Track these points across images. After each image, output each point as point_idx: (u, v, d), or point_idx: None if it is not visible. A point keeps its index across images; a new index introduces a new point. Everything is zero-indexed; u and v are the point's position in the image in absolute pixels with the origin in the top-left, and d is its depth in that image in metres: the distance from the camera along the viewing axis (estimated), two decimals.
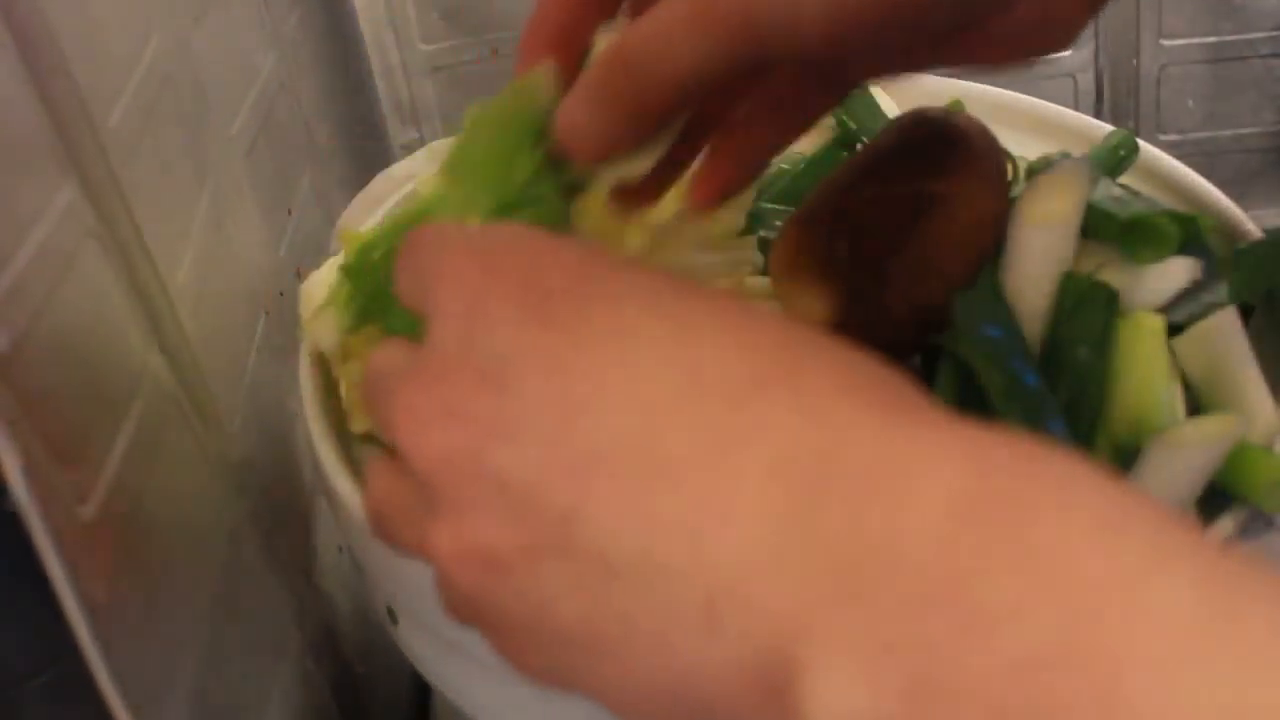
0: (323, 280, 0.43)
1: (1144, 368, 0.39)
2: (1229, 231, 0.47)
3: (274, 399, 0.47)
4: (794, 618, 0.21)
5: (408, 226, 0.35)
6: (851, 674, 0.20)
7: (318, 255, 0.58)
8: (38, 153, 0.31)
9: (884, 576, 0.20)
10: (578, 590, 0.24)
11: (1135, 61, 0.78)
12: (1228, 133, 0.79)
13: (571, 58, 0.35)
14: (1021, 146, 0.51)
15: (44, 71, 0.31)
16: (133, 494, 0.32)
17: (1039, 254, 0.41)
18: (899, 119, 0.47)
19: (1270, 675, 0.17)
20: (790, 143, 0.41)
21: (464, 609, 0.27)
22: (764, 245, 0.47)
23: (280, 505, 0.46)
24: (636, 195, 0.38)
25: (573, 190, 0.37)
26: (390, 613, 0.42)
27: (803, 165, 0.53)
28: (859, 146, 0.52)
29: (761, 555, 0.22)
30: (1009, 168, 0.44)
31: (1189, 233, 0.43)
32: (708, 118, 0.38)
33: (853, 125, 0.53)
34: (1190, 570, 0.19)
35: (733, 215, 0.49)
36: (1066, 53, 0.79)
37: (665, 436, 0.23)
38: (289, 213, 0.55)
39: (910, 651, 0.20)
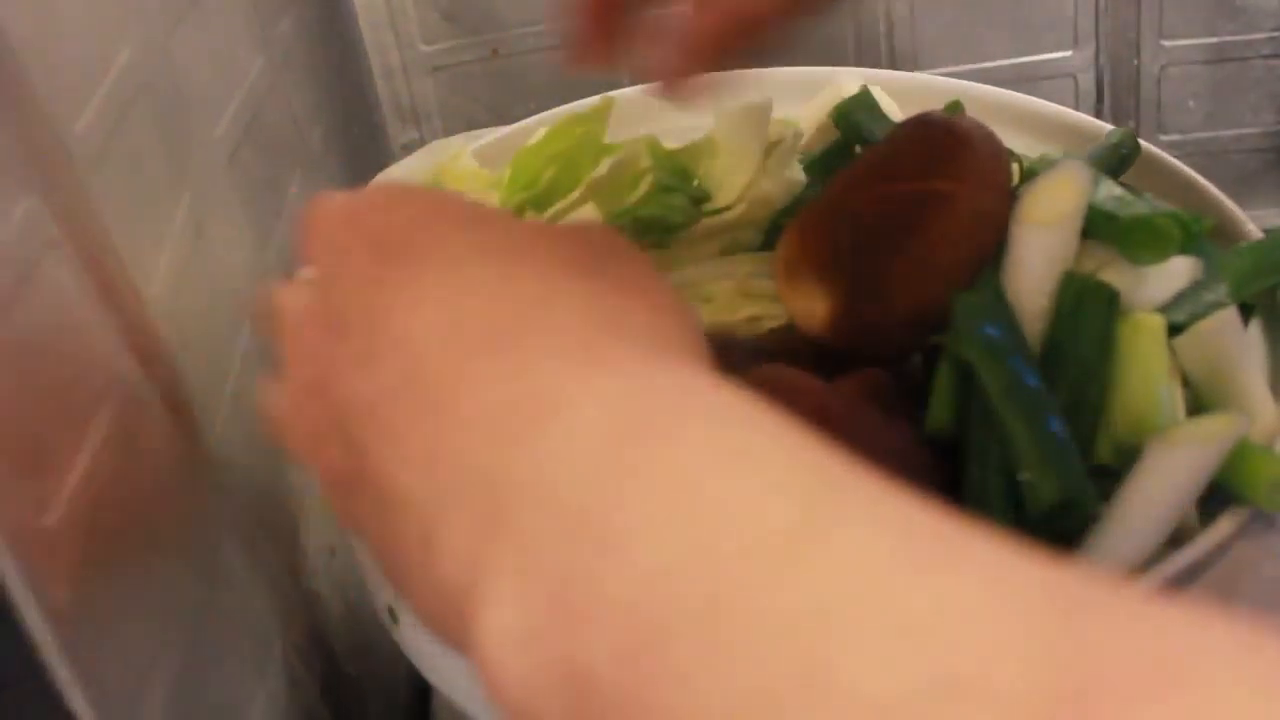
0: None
1: (1144, 367, 0.39)
2: (1229, 231, 0.47)
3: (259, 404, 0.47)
4: (470, 552, 0.24)
5: None
6: (506, 596, 0.22)
7: None
8: None
9: (533, 507, 0.23)
10: (375, 512, 0.28)
11: (1136, 61, 0.78)
12: (1228, 133, 0.79)
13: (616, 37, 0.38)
14: (1022, 146, 0.51)
15: (3, 77, 0.31)
16: (101, 501, 0.31)
17: (1040, 254, 0.41)
18: (903, 122, 0.47)
19: (856, 576, 0.19)
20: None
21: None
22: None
23: (266, 508, 0.45)
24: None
25: None
26: (391, 612, 0.42)
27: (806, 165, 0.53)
28: (858, 149, 0.52)
29: (449, 496, 0.25)
30: (1012, 169, 0.44)
31: (1189, 233, 0.42)
32: None
33: (854, 129, 0.53)
34: (802, 487, 0.21)
35: (751, 231, 0.49)
36: (1067, 52, 0.79)
37: (424, 381, 0.27)
38: (278, 216, 0.54)
39: (554, 571, 0.22)
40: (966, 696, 0.17)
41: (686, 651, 0.19)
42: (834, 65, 0.61)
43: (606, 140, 0.52)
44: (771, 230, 0.49)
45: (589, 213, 0.50)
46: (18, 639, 0.26)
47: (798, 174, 0.52)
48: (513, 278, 0.28)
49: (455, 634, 0.25)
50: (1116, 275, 0.41)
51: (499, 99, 0.83)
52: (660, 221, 0.48)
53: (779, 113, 0.53)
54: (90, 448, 0.31)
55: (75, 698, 0.27)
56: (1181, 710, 0.16)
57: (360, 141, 0.76)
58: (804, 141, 0.53)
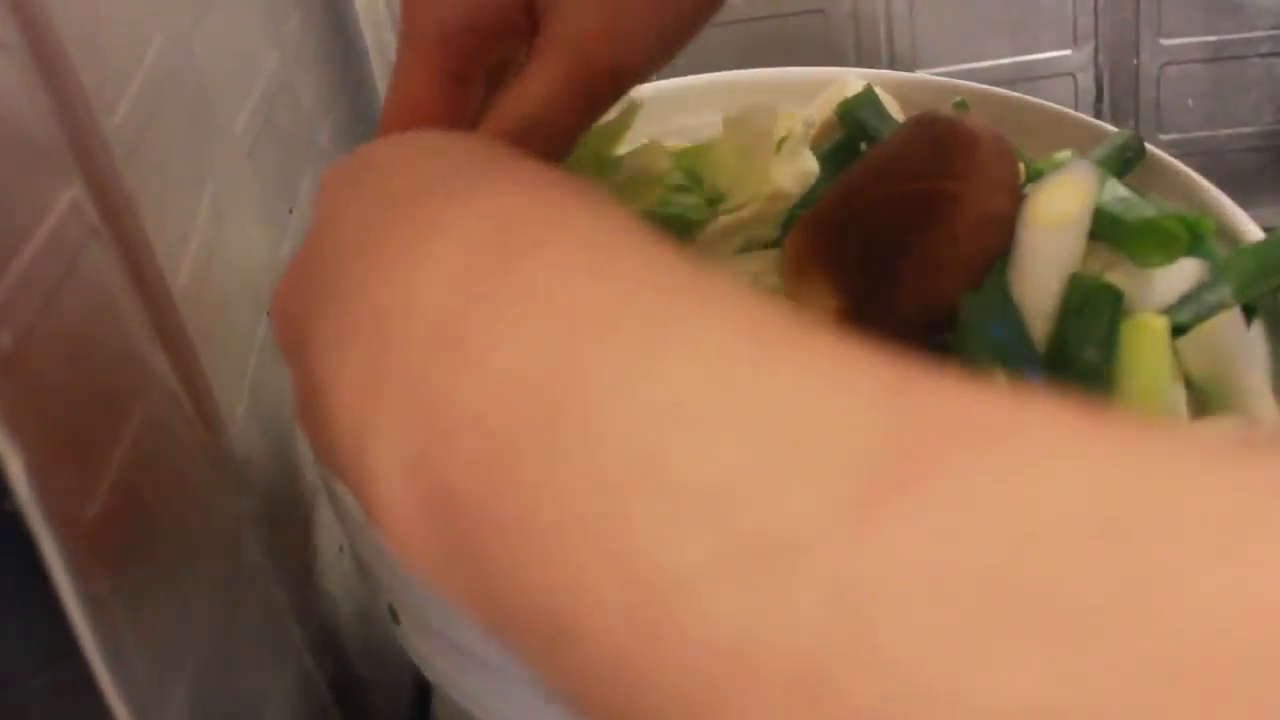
0: None
1: (1148, 369, 0.39)
2: (1230, 232, 0.47)
3: (275, 398, 0.47)
4: (359, 391, 0.24)
5: None
6: (387, 428, 0.22)
7: None
8: (42, 151, 0.31)
9: (407, 333, 0.23)
10: (305, 382, 0.27)
11: (1135, 61, 0.78)
12: (1228, 132, 0.79)
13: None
14: (1025, 147, 0.51)
15: (49, 70, 0.31)
16: (135, 493, 0.31)
17: (1047, 255, 0.41)
18: (910, 120, 0.47)
19: (699, 372, 0.19)
20: None
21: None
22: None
23: (281, 504, 0.45)
24: None
25: None
26: (392, 612, 0.42)
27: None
28: (864, 147, 0.52)
29: (346, 335, 0.25)
30: (1020, 170, 0.44)
31: (1195, 234, 0.43)
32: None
33: (859, 127, 0.53)
34: (654, 291, 0.21)
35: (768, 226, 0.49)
36: (1067, 52, 0.79)
37: (339, 254, 0.27)
38: (290, 212, 0.55)
39: (424, 393, 0.22)
40: (799, 465, 0.17)
41: (534, 460, 0.20)
42: (834, 65, 0.62)
43: None
44: (787, 223, 0.50)
45: None
46: (58, 626, 0.27)
47: (811, 164, 0.52)
48: (442, 162, 0.29)
49: (357, 485, 0.25)
50: (1122, 277, 0.42)
51: None
52: (679, 220, 0.49)
53: (781, 113, 0.53)
54: (127, 439, 0.32)
55: (108, 686, 0.27)
56: (1009, 454, 0.17)
57: (365, 141, 0.76)
58: (813, 132, 0.54)
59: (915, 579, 0.16)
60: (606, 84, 0.35)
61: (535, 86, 0.34)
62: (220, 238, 0.44)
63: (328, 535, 0.51)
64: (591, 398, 0.20)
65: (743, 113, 0.51)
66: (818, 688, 0.16)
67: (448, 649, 0.40)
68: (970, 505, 0.16)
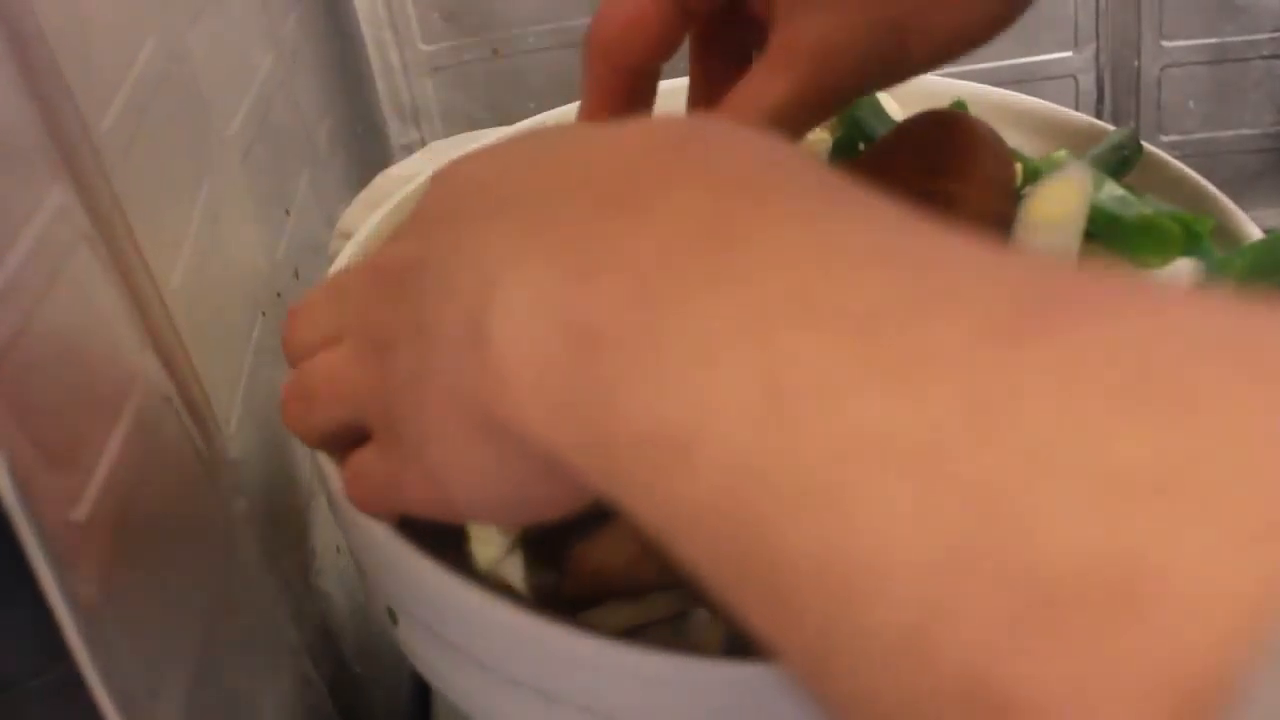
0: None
1: None
2: (1230, 232, 0.47)
3: (271, 399, 0.47)
4: (497, 260, 0.25)
5: None
6: (525, 272, 0.24)
7: (316, 256, 0.58)
8: (29, 153, 0.31)
9: (572, 202, 0.24)
10: (411, 351, 0.28)
11: (1136, 62, 0.78)
12: (1229, 134, 0.79)
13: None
14: (1023, 147, 0.51)
15: (35, 72, 0.31)
16: (126, 495, 0.31)
17: (1043, 255, 0.41)
18: (907, 120, 0.47)
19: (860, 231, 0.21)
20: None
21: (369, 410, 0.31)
22: None
23: (277, 505, 0.45)
24: None
25: None
26: (390, 613, 0.42)
27: None
28: (862, 147, 0.52)
29: (479, 225, 0.26)
30: (1016, 169, 0.44)
31: (1192, 234, 0.43)
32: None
33: (857, 125, 0.53)
34: (820, 181, 0.23)
35: None
36: (1068, 53, 0.79)
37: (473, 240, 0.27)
38: (286, 213, 0.55)
39: (575, 243, 0.23)
40: (940, 304, 0.19)
41: (680, 293, 0.21)
42: None
43: None
44: None
45: None
46: (47, 631, 0.26)
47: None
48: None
49: (473, 369, 0.25)
50: None
51: (499, 99, 0.83)
52: None
53: None
54: (116, 443, 0.31)
55: (99, 690, 0.27)
56: (1133, 304, 0.18)
57: (364, 141, 0.77)
58: (810, 140, 0.54)
59: (1048, 377, 0.17)
60: (834, 101, 0.37)
61: (778, 89, 0.35)
62: (216, 239, 0.44)
63: (324, 535, 0.51)
64: (750, 240, 0.21)
65: None
66: (935, 461, 0.17)
67: (445, 649, 0.39)
68: (1099, 332, 0.17)
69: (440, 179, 0.31)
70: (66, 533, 0.27)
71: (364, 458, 0.33)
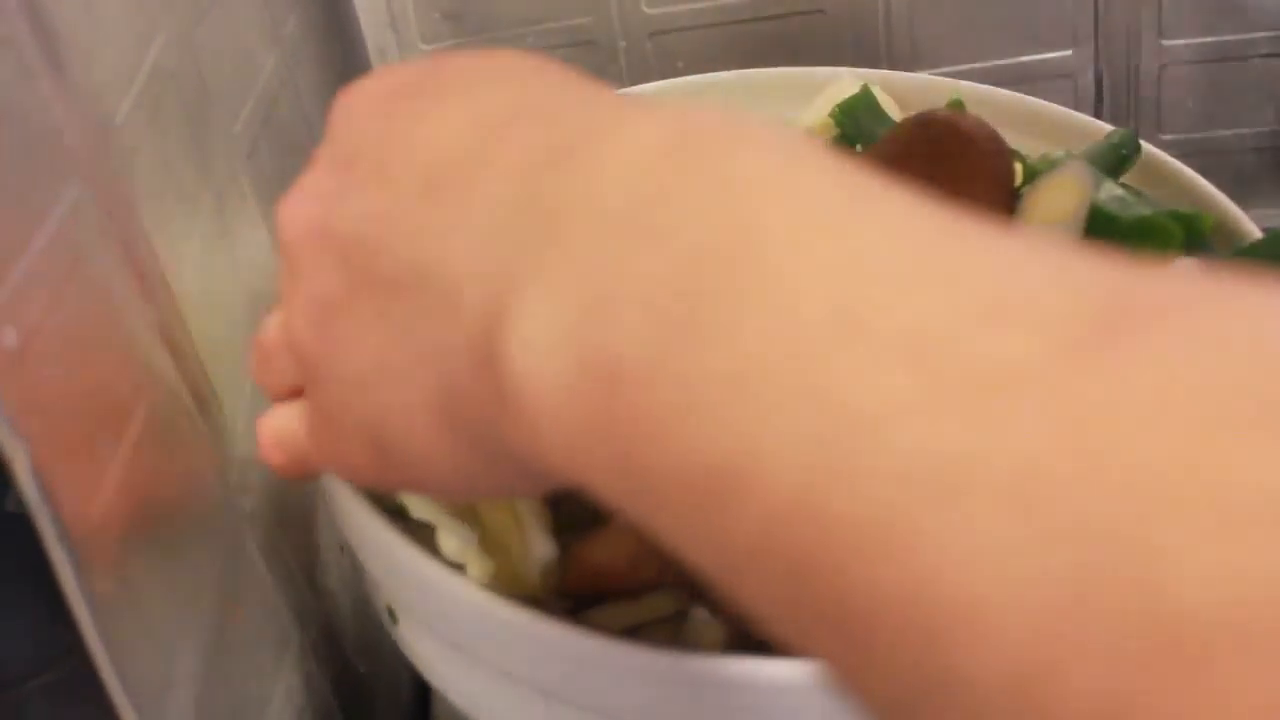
0: None
1: None
2: (1229, 231, 0.47)
3: None
4: (507, 278, 0.23)
5: None
6: (539, 300, 0.22)
7: None
8: (46, 149, 0.31)
9: (578, 219, 0.22)
10: (377, 320, 0.27)
11: (1135, 61, 0.79)
12: (1228, 133, 0.79)
13: None
14: (1022, 146, 0.51)
15: (52, 68, 0.31)
16: (139, 492, 0.32)
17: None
18: (906, 121, 0.47)
19: (896, 241, 0.19)
20: None
21: (303, 365, 0.30)
22: None
23: (282, 504, 0.46)
24: None
25: None
26: (390, 612, 0.42)
27: None
28: (859, 148, 0.52)
29: (481, 235, 0.24)
30: (1016, 169, 0.44)
31: (1192, 233, 0.43)
32: None
33: (855, 126, 0.53)
34: (850, 183, 0.21)
35: None
36: (1067, 52, 0.79)
37: (445, 177, 0.26)
38: None
39: (590, 268, 0.21)
40: (1008, 314, 0.17)
41: (711, 319, 0.19)
42: (833, 65, 0.62)
43: None
44: None
45: None
46: (60, 626, 0.27)
47: None
48: (538, 83, 0.28)
49: (478, 387, 0.24)
50: None
51: None
52: None
53: (779, 114, 0.53)
54: (131, 438, 0.32)
55: (113, 684, 0.27)
56: (1227, 309, 0.17)
57: None
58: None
59: (1147, 394, 0.16)
60: None
61: None
62: (222, 237, 0.44)
63: (328, 535, 0.51)
64: (779, 254, 0.19)
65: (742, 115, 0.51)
66: (1035, 492, 0.16)
67: (444, 649, 0.40)
68: (1198, 341, 0.16)
69: (384, 96, 0.29)
70: (83, 529, 0.28)
71: (288, 422, 0.32)
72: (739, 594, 0.20)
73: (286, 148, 0.56)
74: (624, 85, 0.58)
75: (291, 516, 0.47)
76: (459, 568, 0.37)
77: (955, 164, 0.43)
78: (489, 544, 0.38)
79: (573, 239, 0.22)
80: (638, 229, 0.21)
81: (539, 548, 0.37)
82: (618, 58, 0.78)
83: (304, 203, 0.29)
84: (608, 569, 0.38)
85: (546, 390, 0.22)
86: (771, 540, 0.18)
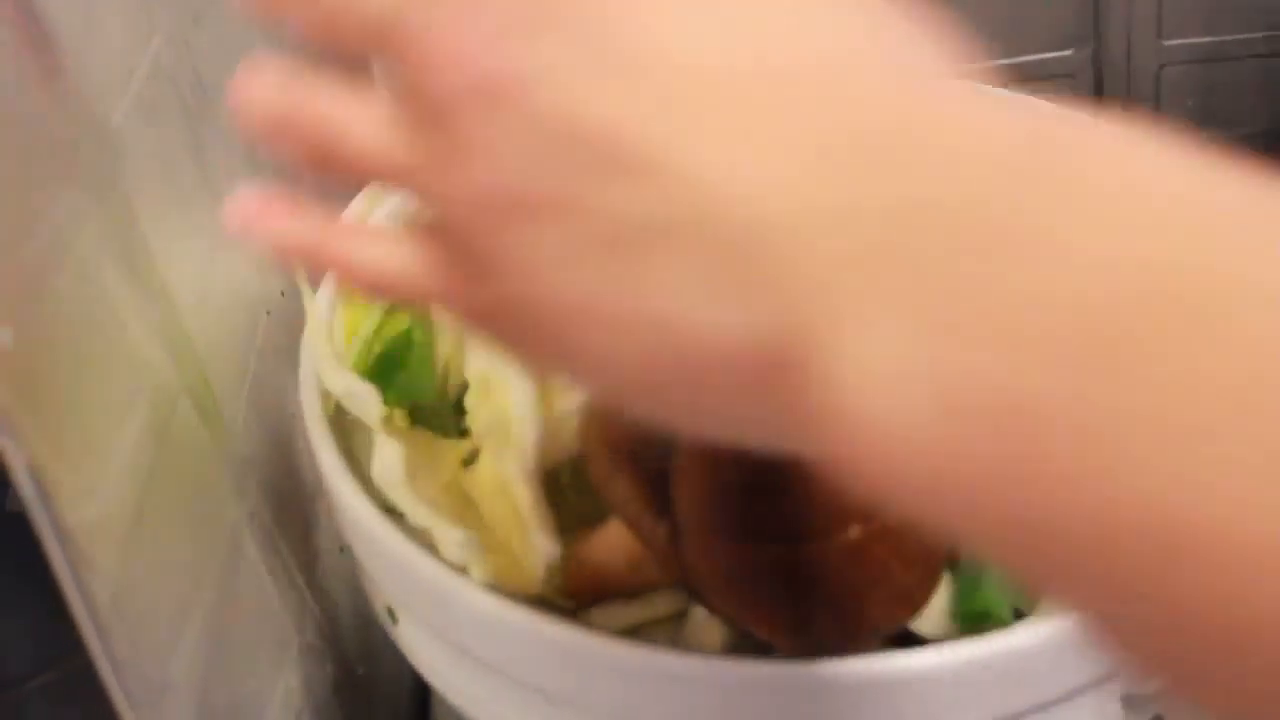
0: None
1: None
2: None
3: (275, 398, 0.47)
4: (822, 281, 0.19)
5: None
6: (881, 316, 0.19)
7: None
8: (42, 150, 0.31)
9: (926, 230, 0.19)
10: (602, 250, 0.21)
11: (1134, 61, 0.78)
12: (1226, 132, 0.79)
13: None
14: None
15: (49, 70, 0.31)
16: (138, 492, 0.32)
17: None
18: None
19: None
20: None
21: (453, 238, 0.24)
22: None
23: (281, 504, 0.46)
24: None
25: None
26: (390, 613, 0.42)
27: None
28: None
29: (791, 218, 0.20)
30: None
31: None
32: None
33: None
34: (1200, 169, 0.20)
35: None
36: (1067, 52, 0.79)
37: (718, 57, 0.21)
38: None
39: (955, 288, 0.18)
40: None
41: (1147, 354, 0.17)
42: None
43: None
44: None
45: None
46: (59, 626, 0.27)
47: None
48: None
49: (764, 396, 0.21)
50: None
51: None
52: None
53: None
54: (129, 439, 0.32)
55: (112, 684, 0.27)
56: None
57: None
58: None
59: None
60: None
61: None
62: (221, 237, 0.44)
63: (328, 535, 0.51)
64: (1202, 270, 0.17)
65: None
66: None
67: (444, 650, 0.40)
68: None
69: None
70: (81, 529, 0.28)
71: (400, 262, 0.25)
72: (1167, 654, 0.18)
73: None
74: None
75: (291, 517, 0.47)
76: (459, 569, 0.37)
77: None
78: (490, 544, 0.38)
79: (916, 252, 0.19)
80: (1009, 240, 0.18)
81: (540, 548, 0.37)
82: None
83: (488, 52, 0.22)
84: (608, 569, 0.38)
85: (897, 429, 0.19)
86: (1246, 595, 0.16)
